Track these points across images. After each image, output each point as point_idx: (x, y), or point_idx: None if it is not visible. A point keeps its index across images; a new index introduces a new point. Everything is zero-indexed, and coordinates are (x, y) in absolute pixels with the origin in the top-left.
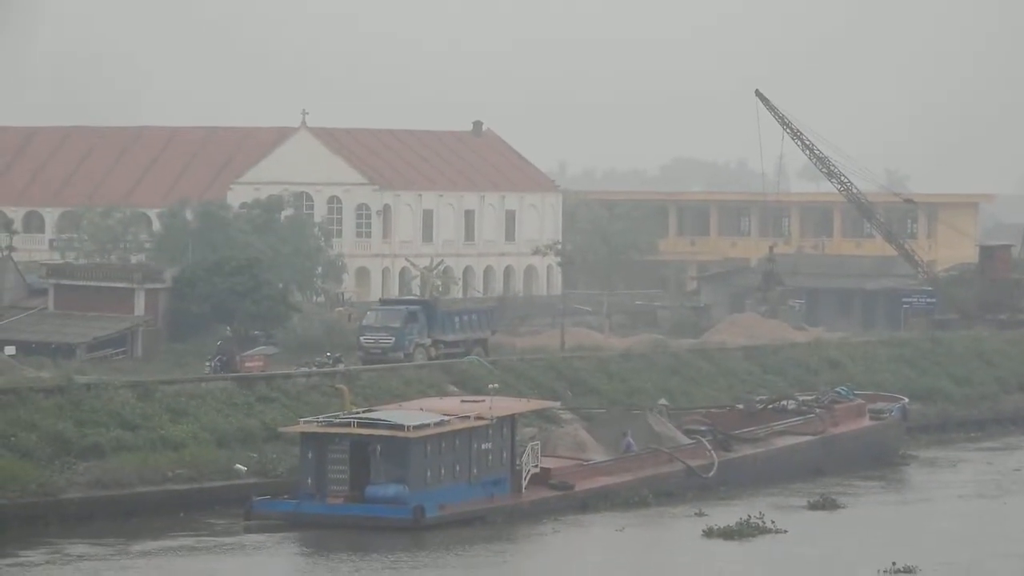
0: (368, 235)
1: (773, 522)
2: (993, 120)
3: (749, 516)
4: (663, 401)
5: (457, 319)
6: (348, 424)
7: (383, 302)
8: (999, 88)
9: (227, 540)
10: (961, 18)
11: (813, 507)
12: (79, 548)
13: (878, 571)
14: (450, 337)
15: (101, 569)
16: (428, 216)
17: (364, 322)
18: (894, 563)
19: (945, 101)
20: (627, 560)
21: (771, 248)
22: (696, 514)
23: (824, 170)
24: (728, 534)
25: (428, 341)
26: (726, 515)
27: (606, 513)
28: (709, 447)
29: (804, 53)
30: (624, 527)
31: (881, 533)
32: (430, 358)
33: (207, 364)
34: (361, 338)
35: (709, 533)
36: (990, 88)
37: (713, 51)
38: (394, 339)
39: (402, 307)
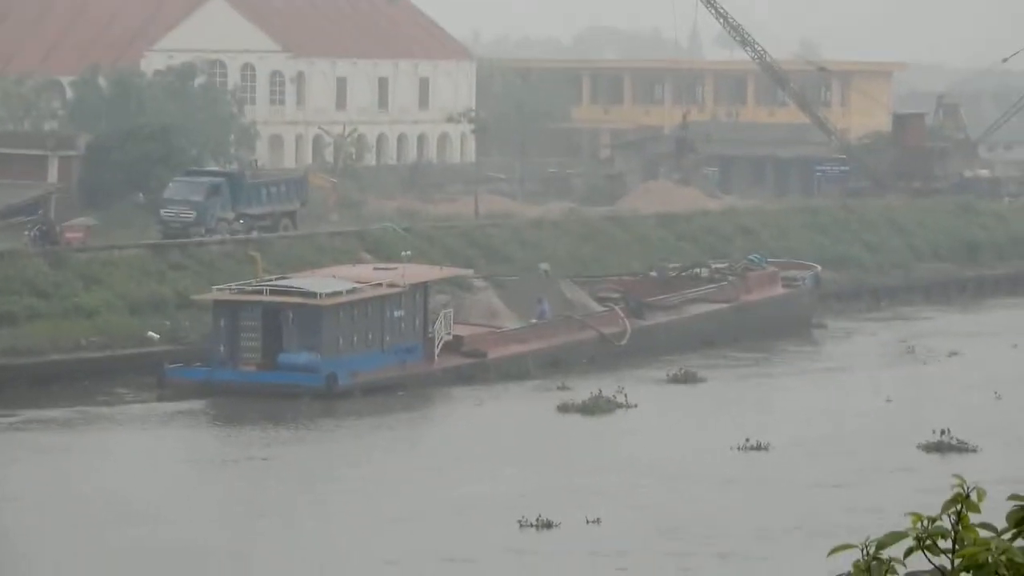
0: (282, 103)
1: (626, 396)
2: None
3: (600, 390)
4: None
5: (264, 191)
6: (260, 292)
7: (187, 172)
8: None
9: (139, 408)
10: None
11: (674, 380)
12: (12, 416)
13: (730, 447)
14: (256, 210)
15: (12, 440)
16: (342, 83)
17: (165, 194)
18: (747, 439)
19: None
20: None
21: (685, 116)
22: (559, 388)
23: (738, 38)
24: (582, 409)
25: (232, 215)
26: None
27: (520, 382)
28: (622, 315)
29: None
30: (483, 401)
31: (744, 408)
32: (234, 233)
33: (25, 234)
34: (161, 211)
35: (564, 408)
36: None
37: None
38: (196, 213)
39: (205, 179)
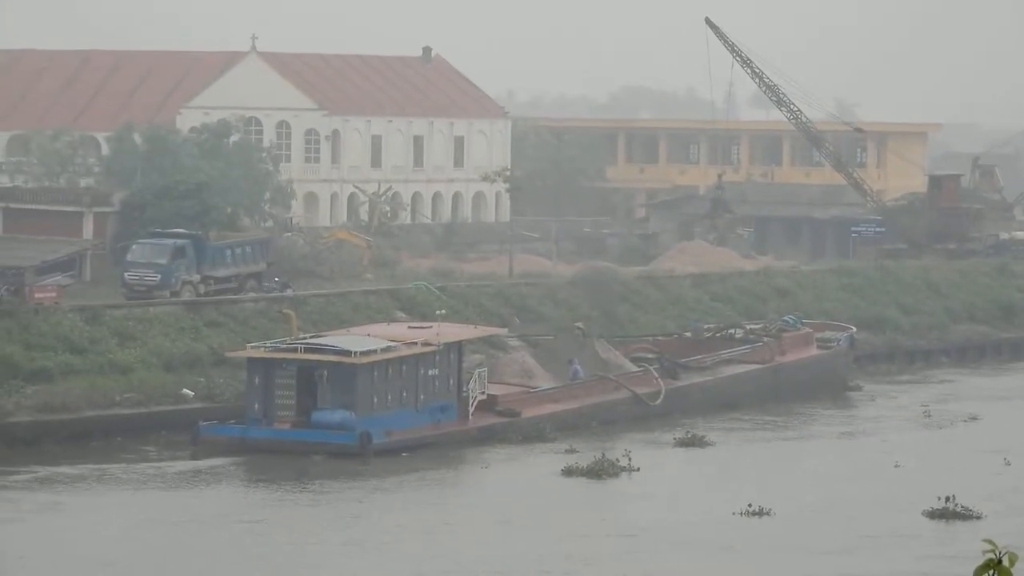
0: (317, 160)
1: (630, 460)
2: (944, 50)
3: (603, 454)
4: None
5: (229, 252)
6: (295, 349)
7: (150, 234)
8: (950, 16)
9: (174, 466)
10: None
11: (682, 444)
12: (26, 473)
13: (732, 512)
14: (221, 272)
15: (48, 494)
16: (377, 142)
17: (128, 256)
18: (750, 505)
19: (896, 30)
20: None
21: (720, 176)
22: (566, 451)
23: (773, 98)
24: (588, 472)
25: (197, 277)
26: (623, 448)
27: (553, 441)
28: (656, 375)
29: None
30: (489, 464)
31: (752, 473)
32: (199, 295)
33: None
34: (125, 274)
35: (568, 472)
36: (942, 16)
37: None
38: (160, 276)
39: (169, 241)
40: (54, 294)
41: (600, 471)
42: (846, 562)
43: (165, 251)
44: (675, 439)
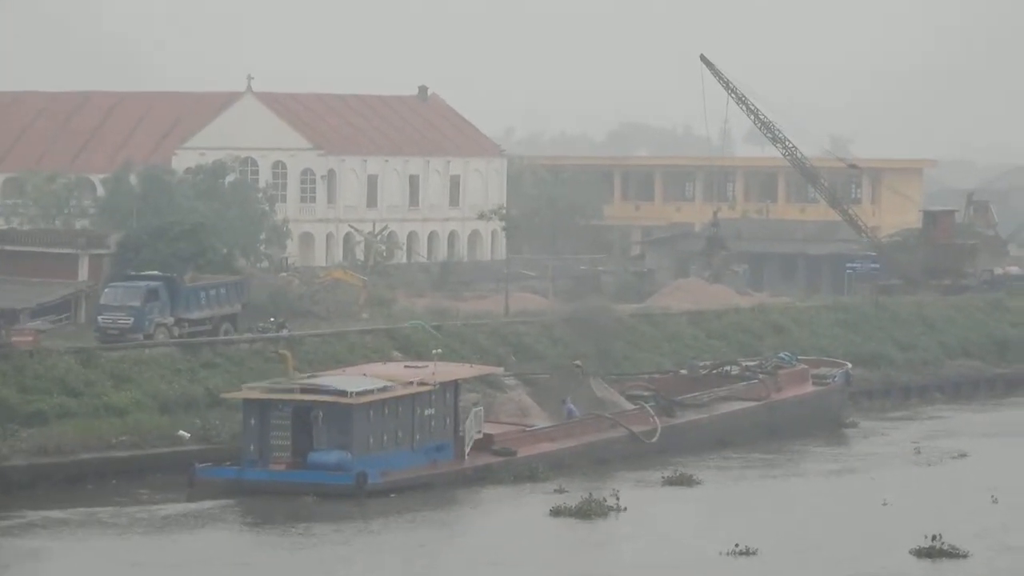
0: (312, 200)
1: (617, 500)
2: (939, 86)
3: (591, 494)
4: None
5: (203, 294)
6: (291, 390)
7: (124, 277)
8: (945, 53)
9: (170, 508)
10: None
11: (670, 483)
12: (17, 518)
13: (718, 552)
14: (195, 315)
15: (42, 538)
16: (373, 181)
17: (101, 300)
18: (737, 545)
19: (891, 66)
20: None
21: (715, 213)
22: (556, 491)
23: (768, 135)
24: (577, 513)
25: (171, 320)
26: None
27: (547, 480)
28: (652, 413)
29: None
30: (480, 504)
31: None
32: (173, 338)
33: None
34: (98, 317)
35: (557, 512)
36: (936, 53)
37: (660, 15)
38: (133, 319)
39: (142, 283)
40: (31, 338)
41: (588, 511)
42: None
43: (138, 294)
44: (663, 478)
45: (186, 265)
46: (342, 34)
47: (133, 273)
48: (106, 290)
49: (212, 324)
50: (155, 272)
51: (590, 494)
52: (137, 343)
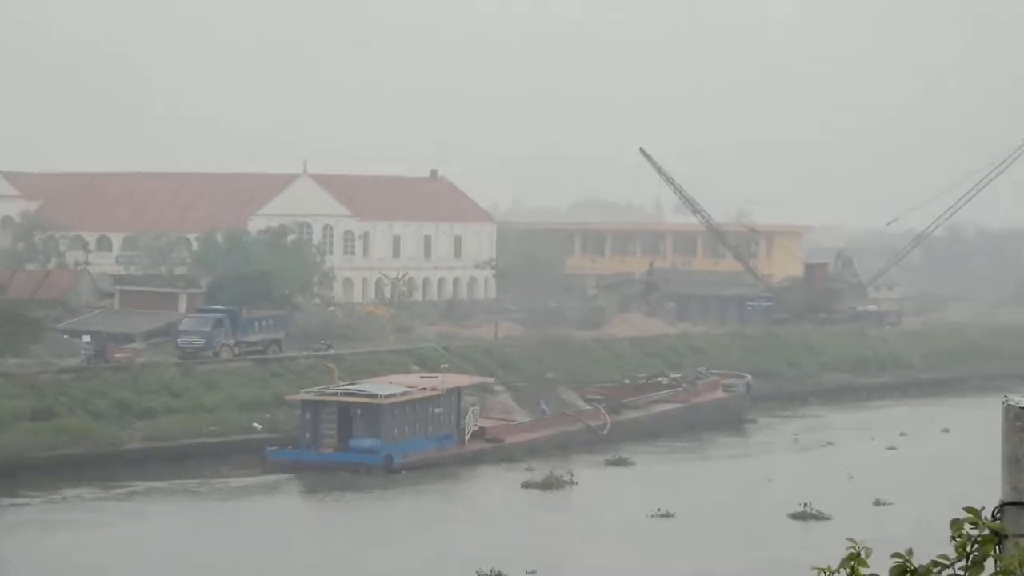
0: (352, 253)
1: (571, 476)
2: (820, 160)
3: (551, 471)
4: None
5: (257, 323)
6: (336, 394)
7: (198, 310)
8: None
9: (246, 481)
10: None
11: (611, 464)
12: (134, 487)
13: (645, 515)
14: (250, 338)
15: (153, 502)
16: (397, 240)
17: (181, 327)
18: (659, 509)
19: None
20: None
21: (651, 264)
22: (527, 469)
23: (689, 207)
24: (541, 486)
25: (232, 341)
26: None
27: (524, 461)
28: (604, 411)
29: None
30: (474, 478)
31: (662, 485)
32: (234, 355)
33: (82, 353)
34: (179, 340)
35: (526, 485)
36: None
37: (608, 114)
38: (204, 341)
39: (211, 315)
40: (128, 355)
41: (549, 484)
42: (728, 550)
43: (208, 322)
44: (607, 460)
45: (258, 302)
46: (361, 116)
47: (204, 307)
48: (185, 320)
49: (263, 345)
50: (220, 306)
51: (551, 472)
52: (219, 359)
